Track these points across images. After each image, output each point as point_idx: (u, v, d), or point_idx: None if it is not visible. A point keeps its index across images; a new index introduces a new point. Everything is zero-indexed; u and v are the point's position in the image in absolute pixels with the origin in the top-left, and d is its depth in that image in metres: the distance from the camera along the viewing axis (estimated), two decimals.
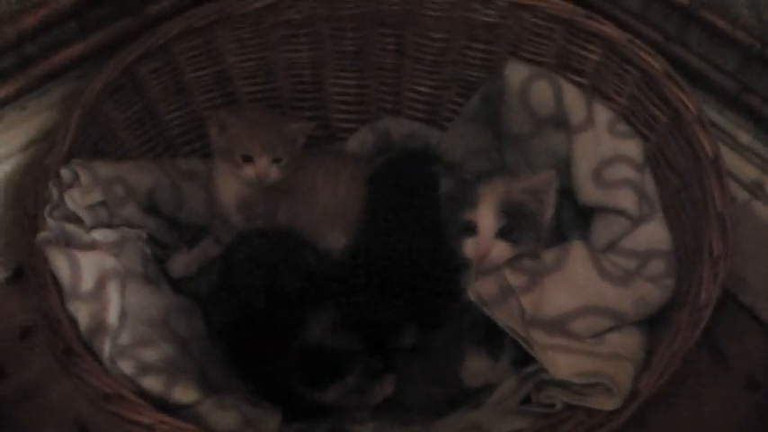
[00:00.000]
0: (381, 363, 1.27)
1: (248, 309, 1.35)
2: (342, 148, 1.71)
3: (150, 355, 1.20)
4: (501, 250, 1.32)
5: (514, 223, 1.33)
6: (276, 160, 1.47)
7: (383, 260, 1.42)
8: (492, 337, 1.33)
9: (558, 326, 1.25)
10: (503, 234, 1.33)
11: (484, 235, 1.32)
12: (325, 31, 1.59)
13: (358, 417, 1.28)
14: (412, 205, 1.45)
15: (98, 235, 1.30)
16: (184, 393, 1.15)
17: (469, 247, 1.34)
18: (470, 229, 1.34)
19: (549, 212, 1.37)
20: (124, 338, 1.19)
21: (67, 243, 1.25)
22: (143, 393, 1.13)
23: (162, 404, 1.13)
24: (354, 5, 1.57)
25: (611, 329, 1.27)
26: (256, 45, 1.58)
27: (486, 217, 1.33)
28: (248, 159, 1.46)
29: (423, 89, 1.68)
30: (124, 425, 1.08)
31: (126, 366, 1.15)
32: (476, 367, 1.36)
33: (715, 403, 1.47)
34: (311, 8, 1.55)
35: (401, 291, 1.39)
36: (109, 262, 1.24)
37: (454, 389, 1.36)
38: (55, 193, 1.28)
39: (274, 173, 1.48)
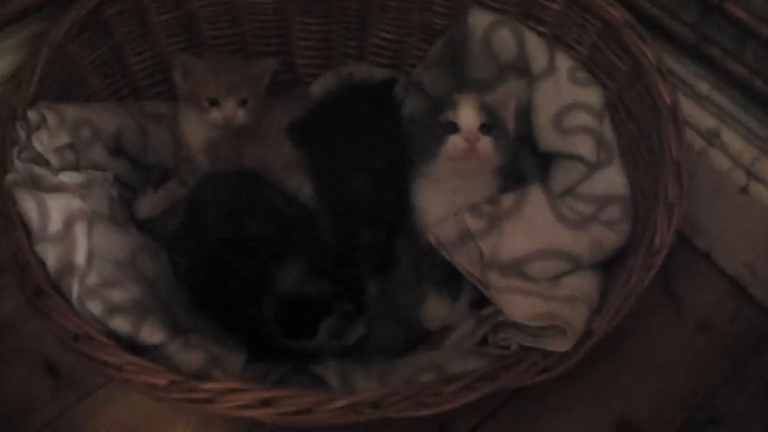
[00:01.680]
0: (354, 308, 1.28)
1: (211, 252, 1.35)
2: (306, 92, 1.70)
3: (118, 295, 1.20)
4: (486, 143, 1.32)
5: (493, 122, 1.34)
6: (242, 102, 1.47)
7: (343, 200, 1.43)
8: (450, 278, 1.35)
9: (514, 269, 1.28)
10: (484, 130, 1.33)
11: (470, 128, 1.32)
12: None
13: (321, 357, 1.31)
14: (369, 134, 1.45)
15: (65, 177, 1.29)
16: (152, 334, 1.17)
17: (453, 144, 1.32)
18: (451, 129, 1.33)
19: (511, 123, 1.39)
20: (92, 279, 1.19)
21: (35, 185, 1.25)
22: (111, 334, 1.14)
23: (130, 345, 1.15)
24: None
25: (567, 272, 1.29)
26: None
27: (468, 113, 1.33)
28: (214, 102, 1.46)
29: (387, 35, 1.68)
30: (93, 365, 1.10)
31: (94, 307, 1.16)
32: (436, 309, 1.38)
33: (668, 344, 1.50)
34: None
35: (360, 231, 1.41)
36: (76, 204, 1.24)
37: (413, 330, 1.38)
38: (22, 135, 1.28)
39: (241, 115, 1.48)
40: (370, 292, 1.39)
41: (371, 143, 1.44)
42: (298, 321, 1.25)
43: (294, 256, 1.29)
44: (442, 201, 1.38)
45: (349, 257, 1.37)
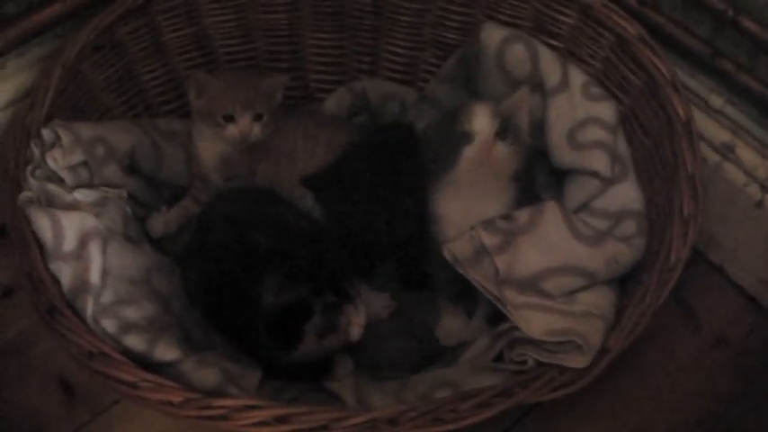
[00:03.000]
0: (336, 298, 1.27)
1: (218, 269, 1.34)
2: (319, 108, 1.71)
3: (132, 313, 1.21)
4: (502, 149, 1.31)
5: (507, 127, 1.33)
6: (257, 117, 1.47)
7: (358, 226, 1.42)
8: (465, 294, 1.36)
9: (531, 285, 1.27)
10: (499, 136, 1.31)
11: (485, 136, 1.30)
12: None
13: (338, 373, 1.31)
14: (392, 179, 1.42)
15: (79, 195, 1.30)
16: (166, 351, 1.16)
17: (469, 153, 1.30)
18: (466, 138, 1.31)
19: (525, 128, 1.38)
20: (106, 297, 1.20)
21: (49, 203, 1.26)
22: (126, 352, 1.14)
23: (145, 362, 1.14)
24: None
25: (582, 288, 1.29)
26: (234, 5, 1.59)
27: (482, 121, 1.31)
28: (230, 119, 1.45)
29: (400, 50, 1.69)
30: (107, 383, 1.10)
31: (109, 325, 1.16)
32: (452, 326, 1.38)
33: (684, 360, 1.49)
34: None
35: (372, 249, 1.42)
36: (90, 222, 1.25)
37: (429, 347, 1.38)
38: (36, 153, 1.29)
39: (256, 130, 1.47)
40: (381, 306, 1.39)
41: (386, 180, 1.43)
42: (283, 331, 1.24)
43: (273, 271, 1.28)
44: (460, 209, 1.37)
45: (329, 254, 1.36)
